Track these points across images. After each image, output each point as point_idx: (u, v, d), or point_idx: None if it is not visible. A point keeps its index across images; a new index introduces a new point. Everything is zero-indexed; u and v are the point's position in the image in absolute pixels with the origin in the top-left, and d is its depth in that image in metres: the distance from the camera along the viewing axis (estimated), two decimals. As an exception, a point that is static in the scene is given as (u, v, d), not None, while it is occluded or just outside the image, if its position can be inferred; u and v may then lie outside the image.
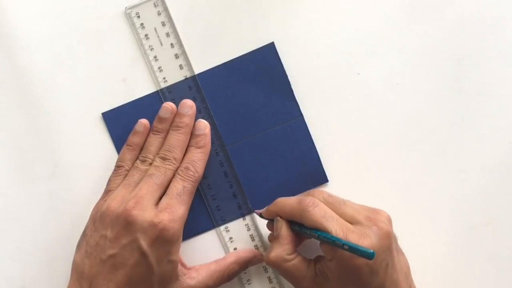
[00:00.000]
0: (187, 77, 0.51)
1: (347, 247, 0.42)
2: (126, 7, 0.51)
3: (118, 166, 0.49)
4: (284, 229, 0.47)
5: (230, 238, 0.52)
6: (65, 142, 0.51)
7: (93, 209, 0.48)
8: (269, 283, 0.52)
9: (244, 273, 0.52)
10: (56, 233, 0.51)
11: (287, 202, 0.47)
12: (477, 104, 0.52)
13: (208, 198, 0.51)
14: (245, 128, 0.51)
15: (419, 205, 0.52)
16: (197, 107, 0.50)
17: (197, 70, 0.51)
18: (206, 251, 0.51)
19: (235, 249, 0.52)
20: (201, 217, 0.51)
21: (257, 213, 0.50)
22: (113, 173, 0.49)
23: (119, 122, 0.51)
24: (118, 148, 0.51)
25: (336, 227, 0.44)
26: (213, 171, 0.51)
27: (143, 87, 0.51)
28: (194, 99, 0.51)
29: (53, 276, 0.51)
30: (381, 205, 0.50)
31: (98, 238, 0.46)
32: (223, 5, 0.51)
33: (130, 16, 0.50)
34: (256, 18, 0.51)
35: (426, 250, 0.52)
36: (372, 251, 0.42)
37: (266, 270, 0.52)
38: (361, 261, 0.43)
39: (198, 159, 0.49)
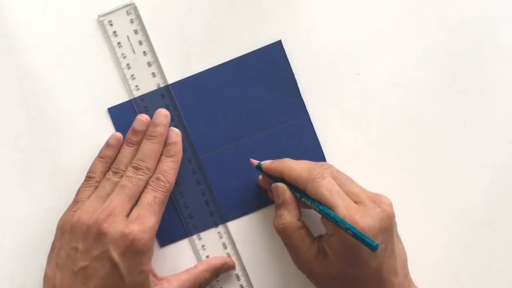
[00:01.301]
0: (160, 85, 0.51)
1: (351, 233, 0.42)
2: (98, 15, 0.50)
3: (89, 177, 0.49)
4: (288, 194, 0.46)
5: (203, 246, 0.51)
6: (65, 142, 0.51)
7: (61, 219, 0.48)
8: None
9: (217, 281, 0.51)
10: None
11: (296, 167, 0.47)
12: (477, 104, 0.52)
13: (180, 205, 0.51)
14: (251, 126, 0.51)
15: (419, 205, 0.52)
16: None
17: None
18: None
19: (207, 257, 0.51)
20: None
21: (253, 163, 0.50)
22: (83, 183, 0.49)
23: (125, 117, 0.51)
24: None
25: (341, 204, 0.44)
26: (186, 178, 0.51)
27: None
28: (166, 107, 0.51)
29: (53, 276, 0.51)
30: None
31: (69, 250, 0.46)
32: (222, 6, 0.51)
33: (103, 24, 0.50)
34: (263, 16, 0.51)
35: (426, 249, 0.52)
36: (376, 243, 0.41)
37: (238, 278, 0.52)
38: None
39: (169, 168, 0.49)
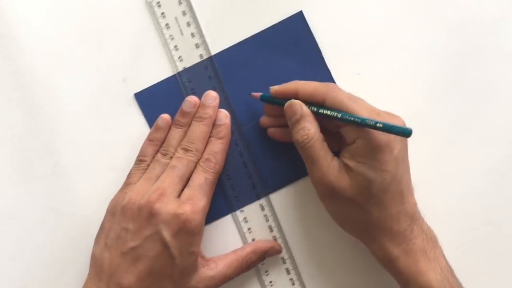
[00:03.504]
0: (207, 65, 0.51)
1: (380, 126, 0.42)
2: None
3: (140, 160, 0.49)
4: (305, 107, 0.46)
5: (249, 228, 0.51)
6: (65, 142, 0.51)
7: (111, 201, 0.48)
8: (287, 274, 0.52)
9: (262, 264, 0.52)
10: (56, 233, 0.51)
11: (310, 83, 0.47)
12: (477, 104, 0.52)
13: (227, 188, 0.51)
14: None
15: (419, 205, 0.52)
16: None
17: (217, 56, 0.51)
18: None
19: (253, 239, 0.52)
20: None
21: (256, 96, 0.49)
22: (134, 166, 0.50)
23: (152, 102, 0.51)
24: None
25: (362, 109, 0.44)
26: (232, 161, 0.51)
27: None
28: (214, 89, 0.51)
29: (53, 276, 0.51)
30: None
31: (119, 230, 0.46)
32: None
33: (151, 5, 0.50)
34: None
35: (426, 250, 0.52)
36: (409, 128, 0.41)
37: (284, 262, 0.52)
38: (385, 139, 0.43)
39: (219, 150, 0.49)
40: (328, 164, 0.45)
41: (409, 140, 0.51)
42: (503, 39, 0.51)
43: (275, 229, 0.52)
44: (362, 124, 0.43)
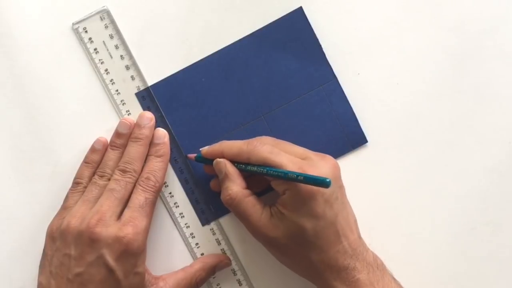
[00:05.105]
0: (140, 87, 0.51)
1: (301, 178, 0.42)
2: (72, 23, 0.50)
3: (76, 183, 0.49)
4: (229, 166, 0.47)
5: (196, 244, 0.52)
6: (65, 142, 0.51)
7: (49, 226, 0.48)
8: (239, 285, 0.52)
9: (213, 278, 0.52)
10: (56, 233, 0.51)
11: (235, 143, 0.47)
12: (477, 104, 0.52)
13: (171, 206, 0.51)
14: (280, 96, 0.51)
15: (419, 205, 0.52)
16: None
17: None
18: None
19: (202, 254, 0.52)
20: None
21: (191, 157, 0.50)
22: (70, 189, 0.49)
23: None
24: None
25: (286, 161, 0.44)
26: (174, 179, 0.51)
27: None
28: (148, 109, 0.51)
29: (53, 276, 0.51)
30: (381, 205, 0.51)
31: (62, 257, 0.46)
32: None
33: (78, 31, 0.50)
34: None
35: (426, 250, 0.52)
36: (328, 179, 0.42)
37: (235, 274, 0.52)
38: (315, 187, 0.43)
39: (158, 168, 0.49)
40: (259, 218, 0.46)
41: (409, 139, 0.51)
42: (503, 39, 0.52)
43: (222, 242, 0.52)
44: (286, 178, 0.44)
